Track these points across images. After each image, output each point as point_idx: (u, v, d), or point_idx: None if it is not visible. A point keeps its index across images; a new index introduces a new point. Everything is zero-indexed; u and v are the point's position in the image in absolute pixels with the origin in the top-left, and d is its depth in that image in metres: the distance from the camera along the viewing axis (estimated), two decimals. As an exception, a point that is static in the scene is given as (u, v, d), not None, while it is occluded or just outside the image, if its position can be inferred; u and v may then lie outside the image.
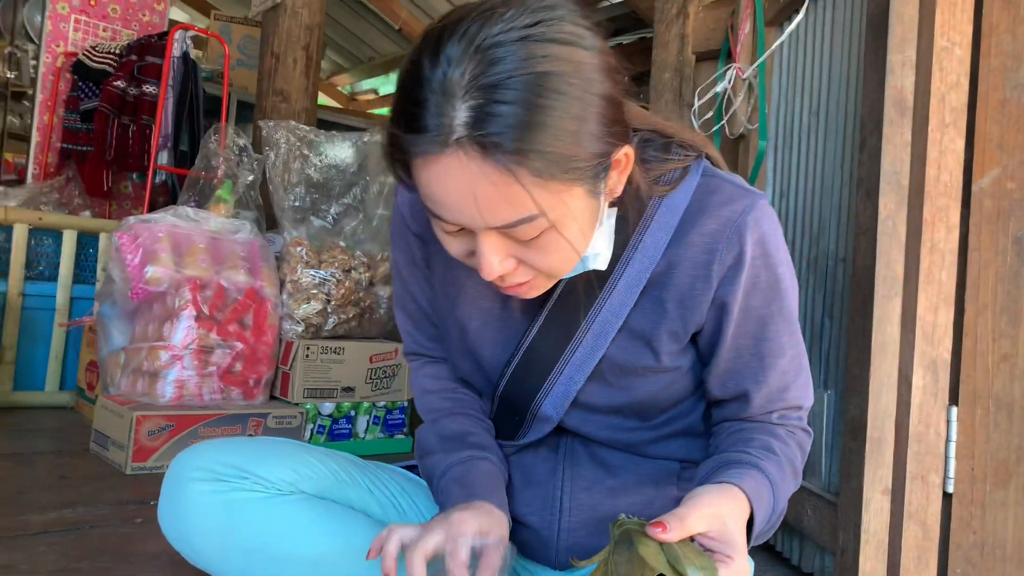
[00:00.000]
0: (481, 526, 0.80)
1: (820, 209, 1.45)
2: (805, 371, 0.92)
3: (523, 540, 0.96)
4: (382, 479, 1.03)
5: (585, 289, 0.88)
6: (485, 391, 1.00)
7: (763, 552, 1.59)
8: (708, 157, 0.91)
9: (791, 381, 0.91)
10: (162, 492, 0.96)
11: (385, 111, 6.97)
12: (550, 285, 0.83)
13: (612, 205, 0.85)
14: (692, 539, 0.71)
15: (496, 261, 0.75)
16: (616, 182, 0.80)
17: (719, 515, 0.72)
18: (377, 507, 1.01)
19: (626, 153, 0.77)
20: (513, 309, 0.93)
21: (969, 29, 1.15)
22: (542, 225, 0.72)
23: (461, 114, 0.66)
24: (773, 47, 1.51)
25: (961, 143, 1.15)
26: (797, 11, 1.52)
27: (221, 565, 0.93)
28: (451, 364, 1.02)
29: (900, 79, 1.17)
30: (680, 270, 0.86)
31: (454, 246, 0.79)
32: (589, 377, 0.90)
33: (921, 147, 1.15)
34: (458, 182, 0.69)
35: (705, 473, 0.86)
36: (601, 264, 0.85)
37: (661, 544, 0.68)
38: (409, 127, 0.70)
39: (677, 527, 0.69)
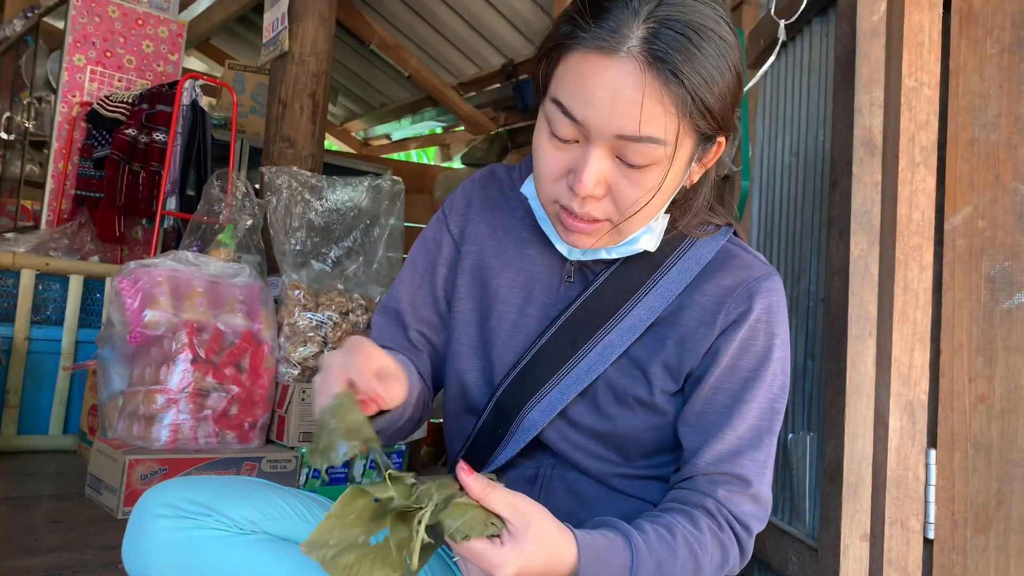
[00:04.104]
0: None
1: (800, 249, 1.44)
2: (764, 452, 0.91)
3: None
4: (347, 522, 1.03)
5: (602, 307, 0.94)
6: (480, 399, 1.01)
7: (752, 600, 1.55)
8: (736, 233, 0.99)
9: (745, 449, 0.90)
10: (127, 526, 0.96)
11: (398, 156, 7.05)
12: (608, 241, 0.89)
13: (666, 212, 0.94)
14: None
15: (595, 176, 0.82)
16: (700, 169, 0.89)
17: (526, 515, 0.73)
18: (341, 551, 1.00)
19: (720, 142, 0.87)
20: (530, 316, 0.98)
21: (937, 69, 1.15)
22: (655, 154, 0.80)
23: (639, 31, 0.78)
24: (748, 86, 1.52)
25: (932, 182, 1.14)
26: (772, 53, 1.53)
27: None
28: (453, 371, 1.03)
29: (868, 119, 1.17)
30: (688, 314, 0.92)
31: (554, 160, 0.85)
32: (581, 394, 0.93)
33: (892, 186, 1.14)
34: (612, 80, 0.78)
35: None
36: (650, 246, 0.92)
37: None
38: (591, 17, 0.79)
39: (478, 482, 0.73)
